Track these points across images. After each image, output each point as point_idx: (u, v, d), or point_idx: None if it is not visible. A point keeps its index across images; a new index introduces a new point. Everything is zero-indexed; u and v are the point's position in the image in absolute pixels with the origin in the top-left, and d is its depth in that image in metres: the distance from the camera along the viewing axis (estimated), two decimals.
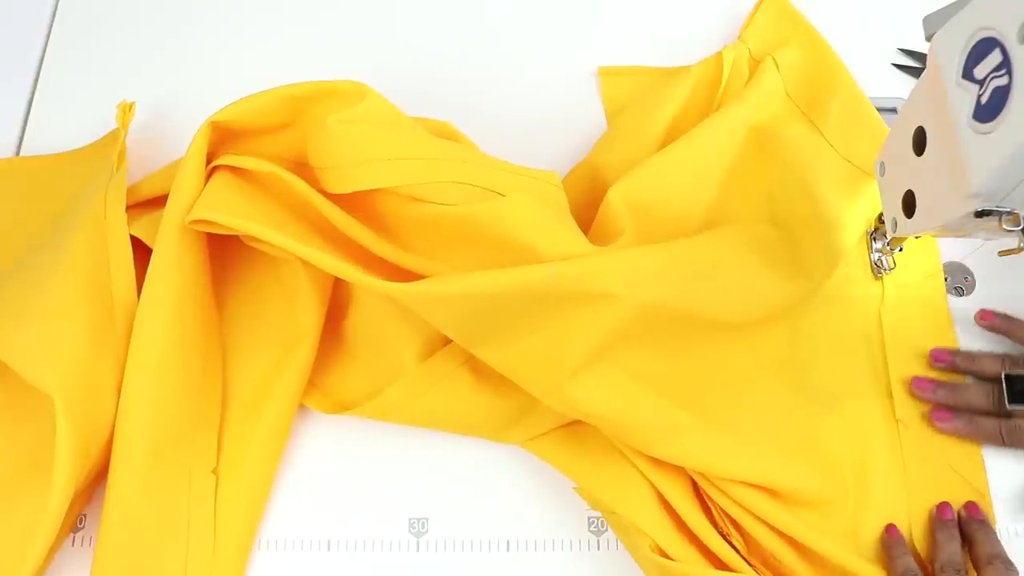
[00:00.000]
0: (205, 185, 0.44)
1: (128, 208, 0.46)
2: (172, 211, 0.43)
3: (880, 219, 0.48)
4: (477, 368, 0.45)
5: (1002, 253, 0.40)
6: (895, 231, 0.43)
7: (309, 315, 0.45)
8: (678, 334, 0.46)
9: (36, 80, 0.58)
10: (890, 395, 0.47)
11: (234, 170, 0.45)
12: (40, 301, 0.41)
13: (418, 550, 0.44)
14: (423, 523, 0.45)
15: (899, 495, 0.44)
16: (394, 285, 0.40)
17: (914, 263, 0.50)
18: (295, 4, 0.61)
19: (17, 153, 0.55)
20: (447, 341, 0.46)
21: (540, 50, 0.59)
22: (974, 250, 0.50)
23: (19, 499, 0.41)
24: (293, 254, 0.42)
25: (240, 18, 0.61)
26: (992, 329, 0.48)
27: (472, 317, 0.41)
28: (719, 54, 0.54)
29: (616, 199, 0.46)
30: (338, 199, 0.44)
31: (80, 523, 0.44)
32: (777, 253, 0.46)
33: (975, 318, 0.48)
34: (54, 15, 0.61)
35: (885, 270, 0.49)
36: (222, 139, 0.47)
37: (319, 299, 0.45)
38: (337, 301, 0.47)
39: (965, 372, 0.47)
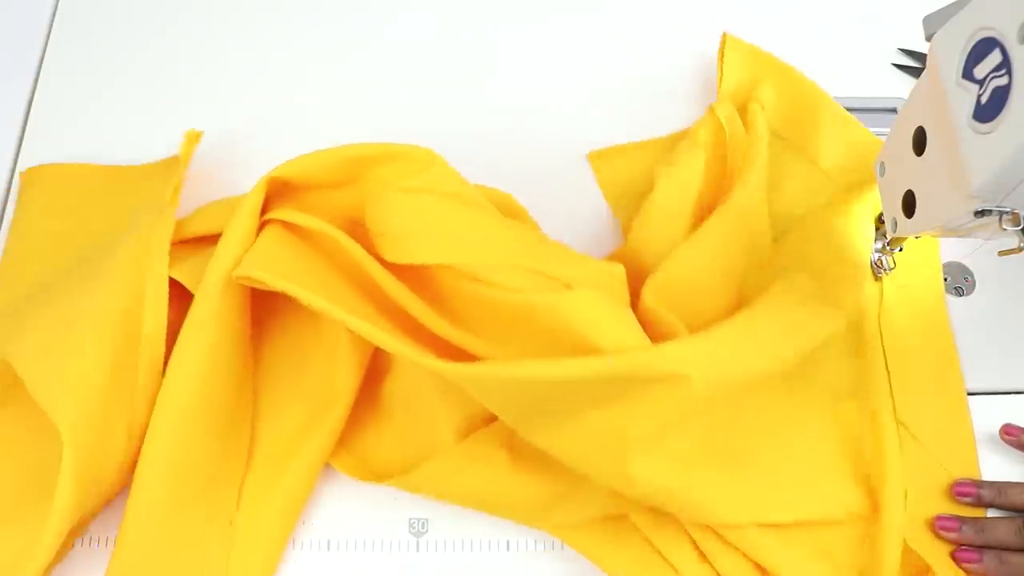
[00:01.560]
0: (256, 238, 0.43)
1: (172, 244, 0.44)
2: (217, 265, 0.42)
3: (880, 219, 0.48)
4: (515, 449, 0.44)
5: (1002, 253, 0.40)
6: (895, 231, 0.43)
7: (346, 377, 0.44)
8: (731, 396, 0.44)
9: (36, 80, 0.58)
10: (891, 395, 0.46)
11: (287, 224, 0.44)
12: (70, 333, 0.41)
13: (418, 550, 0.44)
14: (423, 523, 0.45)
15: (898, 498, 0.44)
16: (446, 364, 0.39)
17: (914, 263, 0.50)
18: (296, 10, 0.61)
19: (16, 153, 0.55)
20: (488, 418, 0.44)
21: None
22: (974, 250, 0.50)
23: (15, 520, 0.41)
24: (340, 322, 0.40)
25: (240, 18, 0.61)
26: (1020, 447, 0.45)
27: (527, 399, 0.40)
28: (713, 114, 0.52)
29: (651, 298, 0.44)
30: (392, 264, 0.43)
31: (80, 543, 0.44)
32: (816, 298, 0.45)
33: (999, 434, 0.46)
34: (54, 15, 0.61)
35: (885, 270, 0.49)
36: (277, 190, 0.46)
37: (359, 361, 0.44)
38: (377, 362, 0.46)
39: (991, 506, 0.44)
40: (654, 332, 0.42)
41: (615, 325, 0.40)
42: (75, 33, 0.60)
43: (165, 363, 0.42)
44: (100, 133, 0.55)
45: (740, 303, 0.46)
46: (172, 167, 0.50)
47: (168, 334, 0.43)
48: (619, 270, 0.44)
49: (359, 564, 0.44)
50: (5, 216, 0.53)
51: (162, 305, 0.43)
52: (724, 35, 0.55)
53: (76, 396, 0.40)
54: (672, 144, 0.54)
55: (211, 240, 0.45)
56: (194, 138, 0.50)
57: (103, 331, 0.41)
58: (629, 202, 0.53)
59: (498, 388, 0.40)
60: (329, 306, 0.40)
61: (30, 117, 0.56)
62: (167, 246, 0.44)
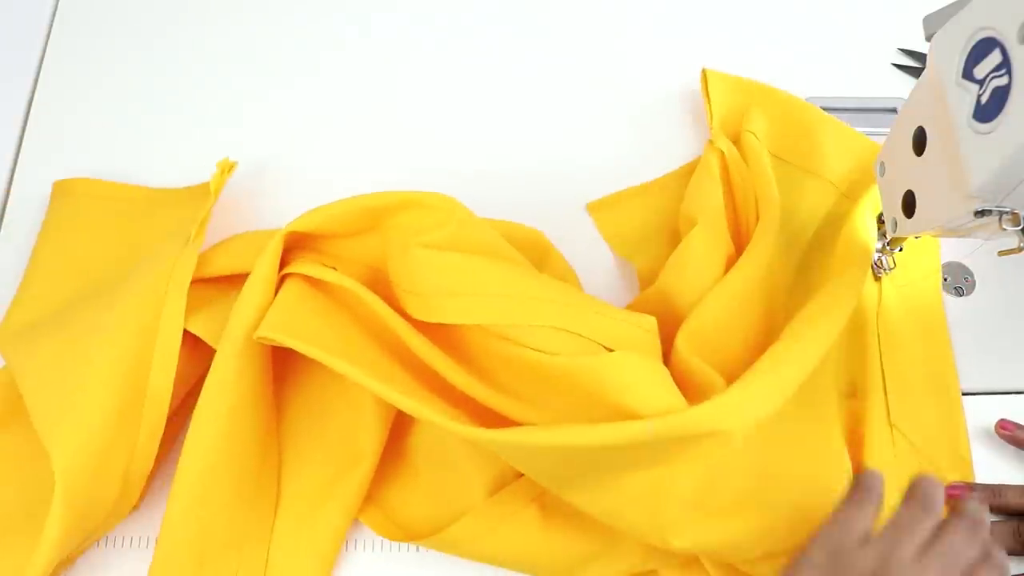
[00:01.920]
0: (276, 293, 0.42)
1: (192, 283, 0.43)
2: (236, 324, 0.41)
3: (880, 219, 0.48)
4: (546, 506, 0.43)
5: (1002, 253, 0.40)
6: (895, 231, 0.43)
7: (372, 431, 0.43)
8: None
9: (36, 80, 0.58)
10: (885, 393, 0.46)
11: (308, 278, 0.43)
12: (79, 370, 0.40)
13: (418, 550, 0.44)
14: None
15: (890, 498, 0.44)
16: (478, 431, 0.38)
17: (914, 263, 0.50)
18: (284, 10, 0.61)
19: (16, 154, 0.55)
20: (517, 472, 0.43)
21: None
22: (974, 250, 0.50)
23: (7, 544, 0.41)
24: (363, 385, 0.40)
25: (239, 16, 0.61)
26: (1014, 442, 0.45)
27: (563, 464, 0.39)
28: (716, 147, 0.51)
29: (685, 347, 0.43)
30: (419, 321, 0.42)
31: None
32: (827, 302, 0.45)
33: (995, 428, 0.46)
34: (54, 15, 0.61)
35: (885, 270, 0.49)
36: (296, 240, 0.45)
37: (384, 415, 0.44)
38: (401, 415, 0.45)
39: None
40: (688, 381, 0.41)
41: (653, 387, 0.39)
42: (75, 33, 0.60)
43: (170, 420, 0.42)
44: (100, 134, 0.56)
45: (769, 334, 0.45)
46: (202, 196, 0.48)
47: (181, 382, 0.42)
48: (651, 322, 0.42)
49: (359, 564, 0.44)
50: (4, 217, 0.53)
51: (171, 364, 0.42)
52: (704, 71, 0.54)
53: (75, 440, 0.39)
54: (669, 184, 0.53)
55: (231, 280, 0.44)
56: (227, 168, 0.48)
57: (112, 377, 0.40)
58: (639, 246, 0.52)
59: (533, 454, 0.39)
60: (353, 369, 0.39)
61: (30, 117, 0.56)
62: (184, 294, 0.42)
